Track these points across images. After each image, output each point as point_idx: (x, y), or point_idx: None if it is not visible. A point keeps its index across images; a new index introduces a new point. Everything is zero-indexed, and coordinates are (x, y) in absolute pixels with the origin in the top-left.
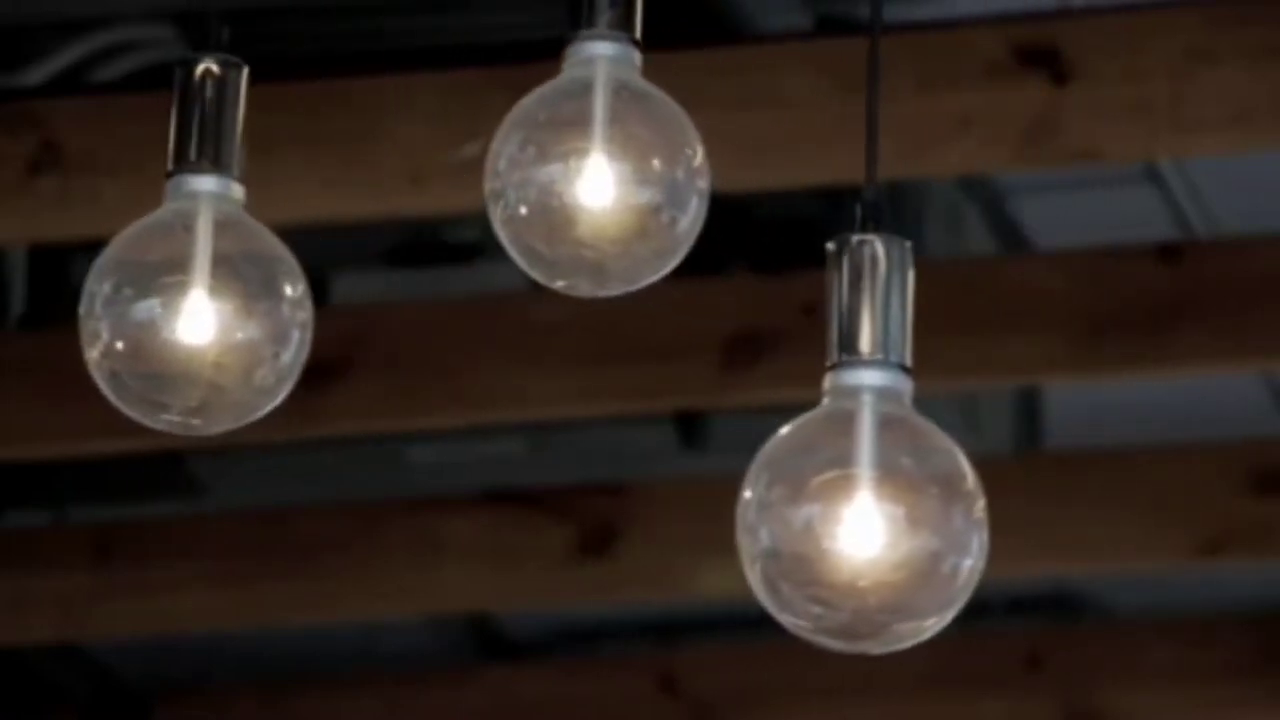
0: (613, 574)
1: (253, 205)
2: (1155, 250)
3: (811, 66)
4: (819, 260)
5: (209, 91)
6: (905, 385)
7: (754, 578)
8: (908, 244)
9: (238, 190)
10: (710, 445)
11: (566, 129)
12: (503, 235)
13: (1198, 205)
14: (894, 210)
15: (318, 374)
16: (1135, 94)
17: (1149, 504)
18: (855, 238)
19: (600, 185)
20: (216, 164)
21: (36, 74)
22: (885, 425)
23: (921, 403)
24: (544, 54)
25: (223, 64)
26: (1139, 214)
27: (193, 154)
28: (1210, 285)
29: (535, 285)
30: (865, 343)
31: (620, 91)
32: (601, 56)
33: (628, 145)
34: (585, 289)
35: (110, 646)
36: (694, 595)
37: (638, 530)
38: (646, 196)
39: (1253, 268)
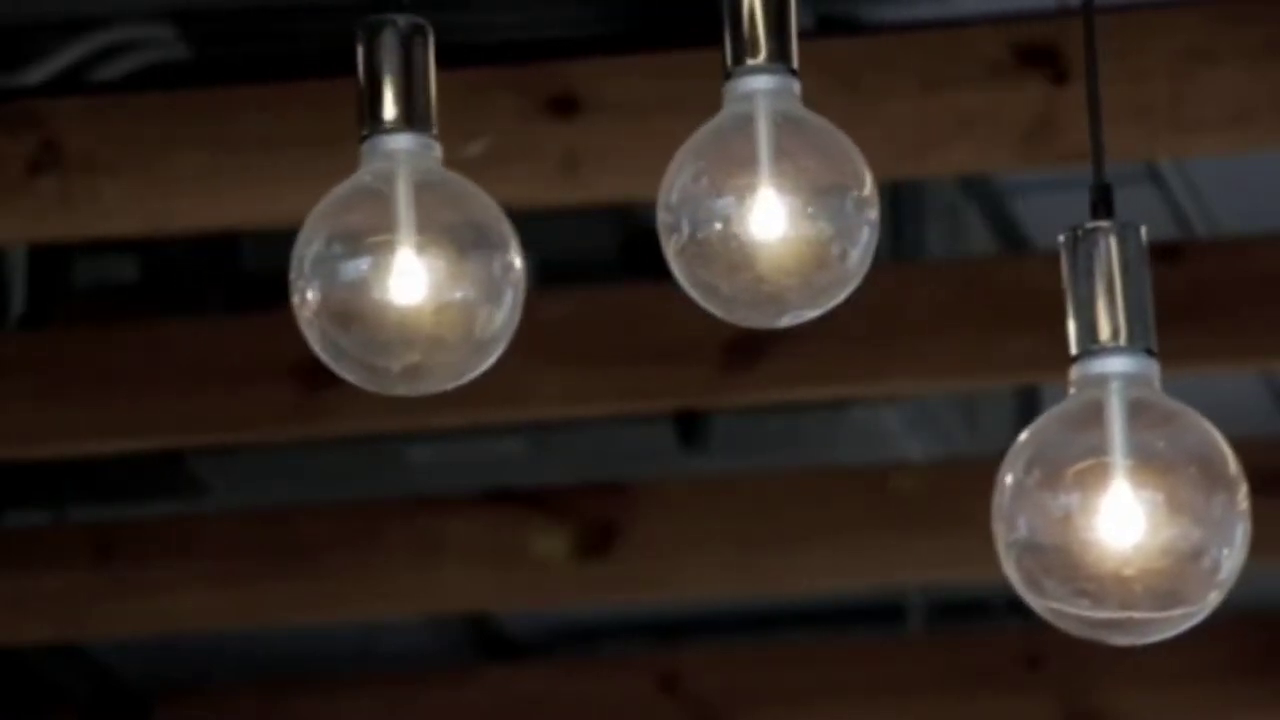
0: (613, 574)
1: (254, 205)
2: (1155, 250)
3: (812, 66)
4: None
5: (399, 51)
6: (1152, 369)
7: (1009, 566)
8: (1141, 228)
9: (436, 149)
10: (710, 445)
11: (735, 165)
12: (676, 267)
13: (1198, 205)
14: (894, 210)
15: (317, 374)
16: (1135, 94)
17: None
18: (1087, 225)
19: (770, 220)
20: (412, 122)
21: (36, 74)
22: (1136, 411)
23: (922, 402)
24: (545, 54)
25: (408, 23)
26: (1139, 214)
27: (387, 114)
28: (1210, 285)
29: (536, 285)
30: (1106, 330)
31: (784, 125)
32: (761, 91)
33: (797, 179)
34: (759, 321)
35: (110, 646)
36: (692, 595)
37: (638, 530)
38: (816, 229)
39: (1253, 268)
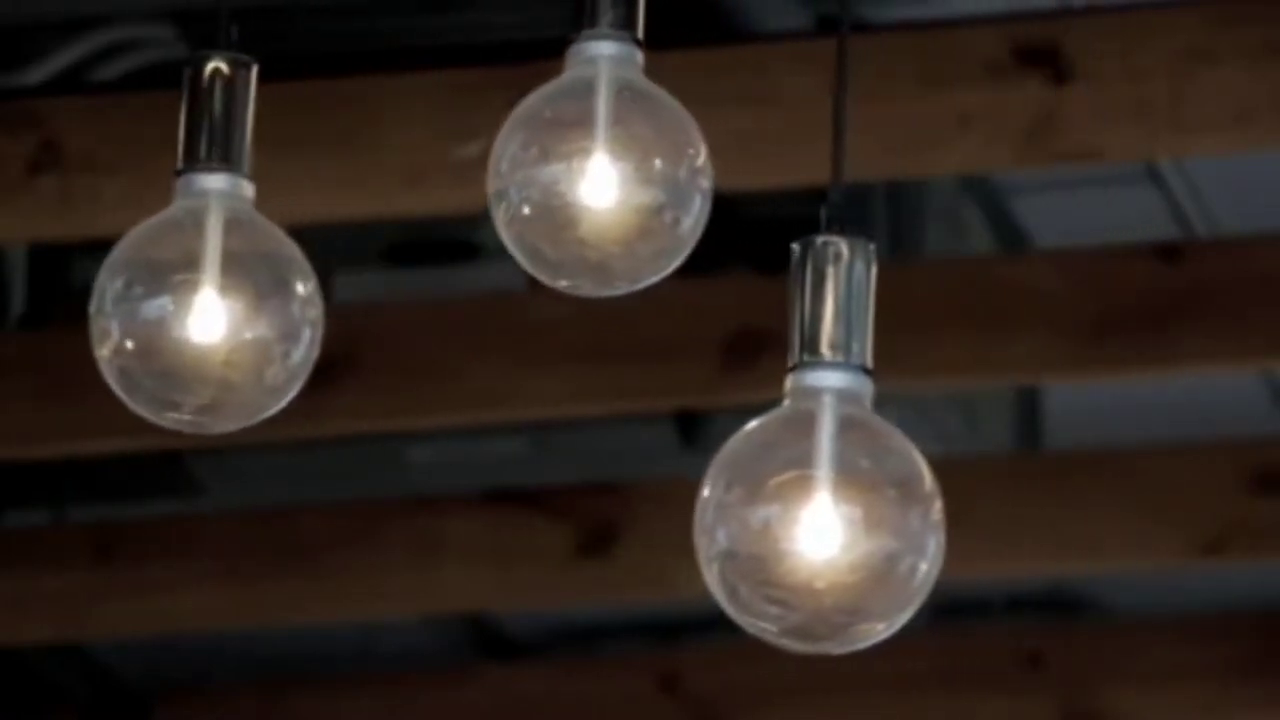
0: (613, 574)
1: (253, 204)
2: (1155, 250)
3: (812, 66)
4: None
5: (219, 89)
6: (866, 387)
7: (711, 579)
8: (871, 245)
9: (247, 188)
10: (710, 445)
11: (569, 129)
12: (506, 236)
13: (1198, 205)
14: (894, 209)
15: (318, 374)
16: (1135, 94)
17: (1149, 504)
18: (819, 238)
19: (603, 185)
20: (226, 162)
21: (36, 74)
22: (845, 427)
23: (922, 402)
24: (544, 54)
25: (232, 62)
26: (1139, 214)
27: (202, 152)
28: (1210, 285)
29: (535, 284)
30: (826, 344)
31: (622, 91)
32: (604, 56)
33: (630, 145)
34: (588, 289)
35: (110, 646)
36: (692, 595)
37: (638, 530)
38: (649, 196)
39: (1253, 268)
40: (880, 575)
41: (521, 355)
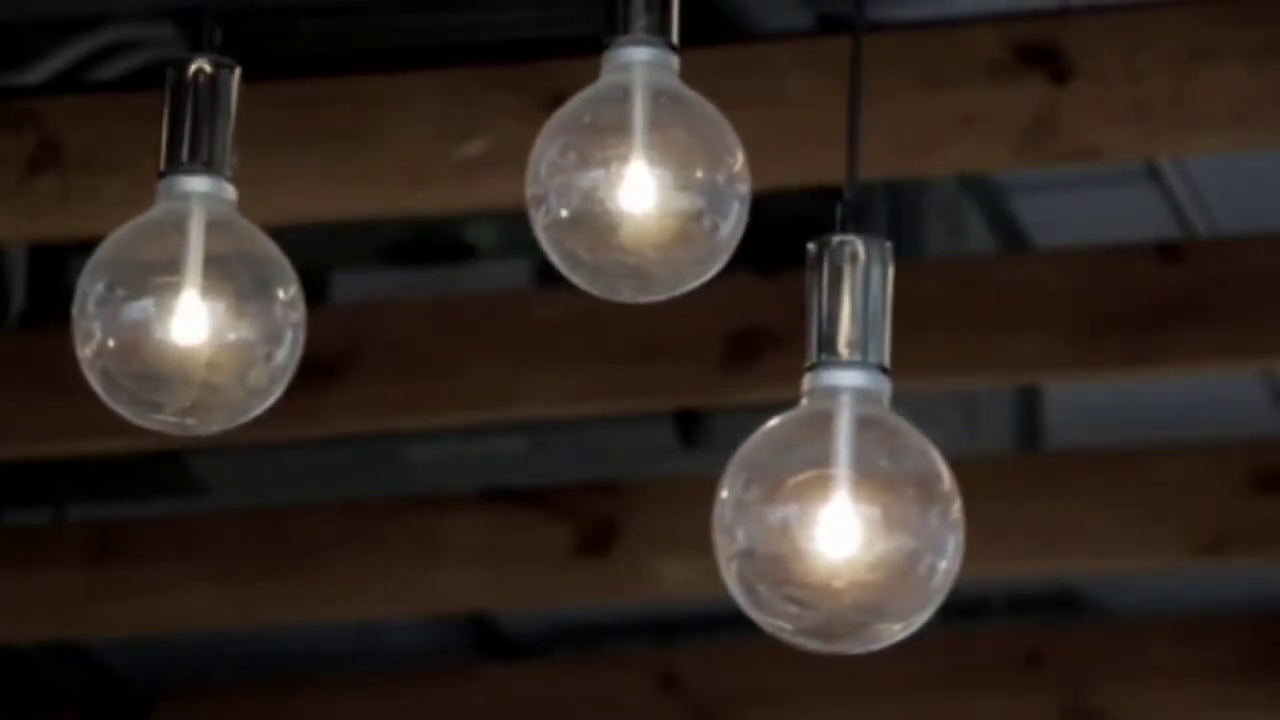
0: (613, 574)
1: (253, 204)
2: (1155, 250)
3: (811, 66)
4: None
5: (201, 92)
6: (884, 386)
7: (730, 577)
8: (888, 244)
9: (229, 191)
10: (710, 445)
11: (606, 135)
12: (544, 240)
13: (1198, 205)
14: (894, 209)
15: (317, 373)
16: (1135, 93)
17: (1149, 504)
18: (835, 238)
19: (641, 191)
20: (209, 165)
21: (36, 73)
22: (863, 426)
23: (922, 402)
24: (544, 54)
25: (215, 64)
26: (1139, 214)
27: (185, 154)
28: (1210, 285)
29: (535, 284)
30: (844, 344)
31: (659, 97)
32: (640, 62)
33: (668, 151)
34: (627, 294)
35: (110, 646)
36: (691, 594)
37: (637, 529)
38: (687, 202)
39: (1253, 268)
40: (900, 574)
41: (522, 355)
